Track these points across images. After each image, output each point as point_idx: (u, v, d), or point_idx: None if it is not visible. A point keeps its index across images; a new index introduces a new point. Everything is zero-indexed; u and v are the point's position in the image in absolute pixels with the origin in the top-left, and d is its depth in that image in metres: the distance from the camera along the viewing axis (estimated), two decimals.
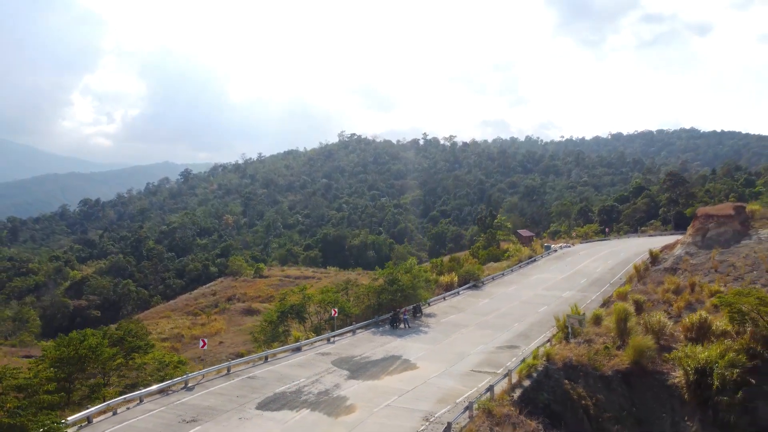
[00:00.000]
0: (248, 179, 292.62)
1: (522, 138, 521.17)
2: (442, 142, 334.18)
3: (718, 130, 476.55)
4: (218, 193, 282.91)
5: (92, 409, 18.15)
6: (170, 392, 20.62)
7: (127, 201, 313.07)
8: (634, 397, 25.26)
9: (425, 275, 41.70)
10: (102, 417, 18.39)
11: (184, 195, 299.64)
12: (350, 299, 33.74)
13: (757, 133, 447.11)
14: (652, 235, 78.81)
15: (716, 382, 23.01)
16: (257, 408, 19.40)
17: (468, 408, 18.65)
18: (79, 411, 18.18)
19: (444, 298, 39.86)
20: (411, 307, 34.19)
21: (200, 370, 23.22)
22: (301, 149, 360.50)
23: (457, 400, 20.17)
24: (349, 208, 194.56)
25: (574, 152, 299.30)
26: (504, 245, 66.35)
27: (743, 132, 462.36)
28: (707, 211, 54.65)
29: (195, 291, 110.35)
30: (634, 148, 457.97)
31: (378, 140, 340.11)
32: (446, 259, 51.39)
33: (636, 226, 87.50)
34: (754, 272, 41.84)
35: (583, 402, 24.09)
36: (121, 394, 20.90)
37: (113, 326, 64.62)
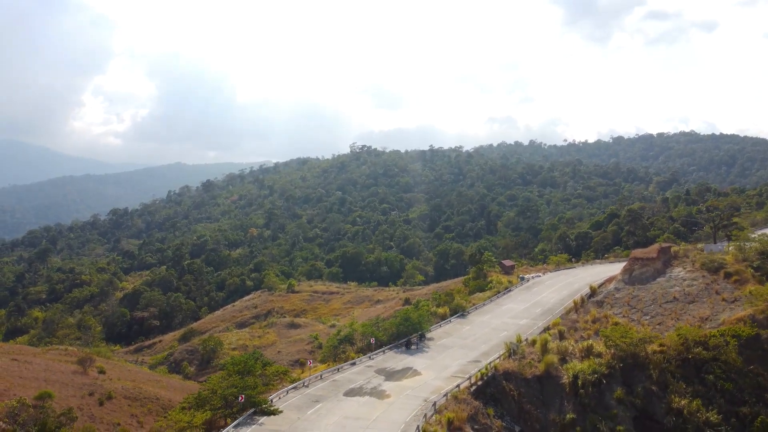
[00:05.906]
0: (266, 190, 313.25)
1: (526, 142, 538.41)
2: (447, 152, 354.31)
3: (717, 134, 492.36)
4: (239, 204, 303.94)
5: (272, 395, 38.30)
6: (299, 387, 40.82)
7: (153, 210, 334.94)
8: (542, 390, 45.12)
9: (428, 308, 61.89)
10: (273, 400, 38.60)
11: (207, 205, 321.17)
12: (380, 330, 53.85)
13: (753, 136, 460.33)
14: (612, 262, 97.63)
15: (580, 382, 42.98)
16: (343, 395, 39.45)
17: (445, 395, 38.68)
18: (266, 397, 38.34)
19: (440, 325, 59.65)
20: (418, 333, 54.17)
21: (309, 376, 43.42)
22: (312, 153, 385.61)
23: (441, 392, 40.06)
24: (363, 222, 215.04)
25: (572, 162, 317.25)
26: (491, 274, 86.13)
27: (741, 135, 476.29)
28: (636, 254, 73.15)
29: (237, 303, 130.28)
30: (635, 152, 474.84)
31: (387, 150, 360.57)
32: (443, 293, 71.27)
33: (603, 252, 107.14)
34: (652, 306, 61.42)
35: (512, 392, 43.96)
36: (260, 392, 40.64)
37: (202, 337, 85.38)
